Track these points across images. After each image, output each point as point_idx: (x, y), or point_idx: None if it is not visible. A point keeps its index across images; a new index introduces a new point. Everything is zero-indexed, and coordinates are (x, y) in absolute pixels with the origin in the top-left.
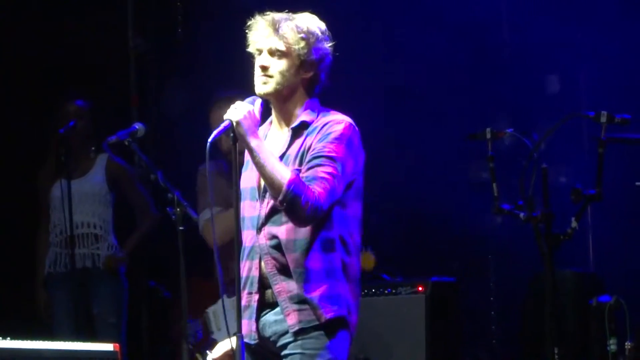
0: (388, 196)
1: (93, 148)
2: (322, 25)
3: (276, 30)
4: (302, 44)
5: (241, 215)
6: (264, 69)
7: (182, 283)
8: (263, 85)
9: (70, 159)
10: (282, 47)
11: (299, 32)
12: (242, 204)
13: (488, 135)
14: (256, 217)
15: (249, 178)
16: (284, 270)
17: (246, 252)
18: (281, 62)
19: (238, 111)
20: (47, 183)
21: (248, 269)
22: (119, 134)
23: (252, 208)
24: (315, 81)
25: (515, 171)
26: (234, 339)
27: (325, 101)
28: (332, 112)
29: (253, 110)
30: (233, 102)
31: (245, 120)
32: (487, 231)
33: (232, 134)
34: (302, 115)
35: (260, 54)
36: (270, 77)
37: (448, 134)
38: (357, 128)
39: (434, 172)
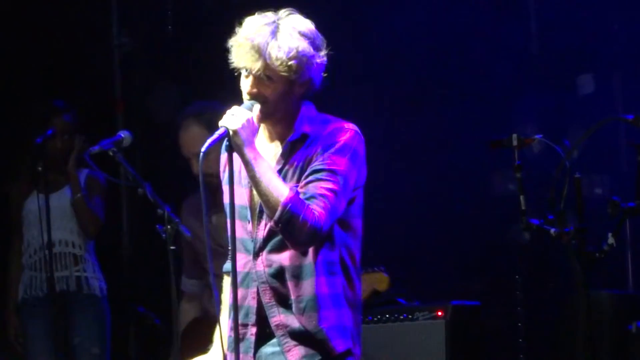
0: (404, 210)
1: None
2: (312, 30)
3: (263, 55)
4: (294, 68)
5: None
6: (254, 95)
7: (174, 308)
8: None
9: (44, 172)
10: (272, 74)
11: (289, 58)
12: (228, 221)
13: (515, 142)
14: (249, 240)
15: (238, 194)
16: (282, 302)
17: (239, 278)
18: (271, 87)
19: (236, 118)
20: (20, 198)
21: (242, 297)
22: (102, 144)
23: (242, 229)
24: (309, 91)
25: (545, 182)
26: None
27: (331, 108)
28: (333, 118)
29: (252, 118)
30: (206, 118)
31: (243, 129)
32: (514, 249)
33: (227, 143)
34: (300, 127)
35: (246, 74)
36: (263, 103)
37: (469, 141)
38: (362, 136)
39: (455, 183)
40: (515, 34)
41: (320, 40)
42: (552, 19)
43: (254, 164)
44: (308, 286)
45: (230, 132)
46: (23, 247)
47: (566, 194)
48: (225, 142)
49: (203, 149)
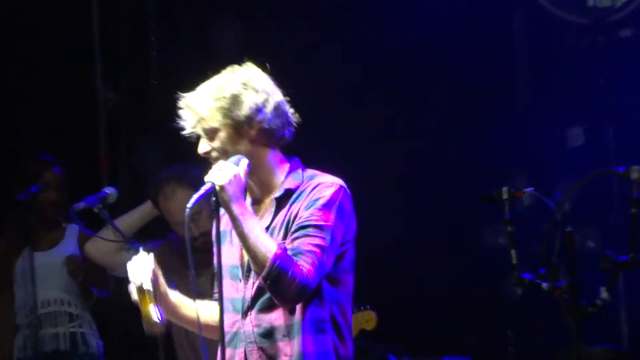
0: (394, 265)
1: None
2: (243, 76)
3: (194, 109)
4: (223, 109)
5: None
6: (208, 154)
7: None
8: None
9: (35, 228)
10: (210, 125)
11: (214, 102)
12: (216, 282)
13: (505, 196)
14: (239, 300)
15: (229, 254)
16: None
17: (227, 338)
18: (219, 137)
19: (222, 174)
20: (9, 257)
21: (230, 357)
22: (87, 200)
23: (233, 289)
24: (267, 134)
25: (537, 236)
26: None
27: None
28: (319, 173)
29: (239, 173)
30: (188, 179)
31: (230, 185)
32: (505, 304)
33: (214, 199)
34: (285, 183)
35: (197, 136)
36: (222, 155)
37: (459, 195)
38: (348, 191)
39: (444, 238)
40: (504, 84)
41: (260, 81)
42: (542, 70)
43: (242, 220)
44: (296, 345)
45: (217, 188)
46: (16, 307)
47: (558, 247)
48: (212, 198)
49: (189, 205)
